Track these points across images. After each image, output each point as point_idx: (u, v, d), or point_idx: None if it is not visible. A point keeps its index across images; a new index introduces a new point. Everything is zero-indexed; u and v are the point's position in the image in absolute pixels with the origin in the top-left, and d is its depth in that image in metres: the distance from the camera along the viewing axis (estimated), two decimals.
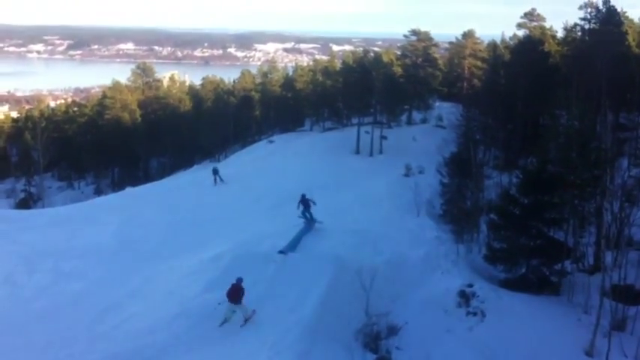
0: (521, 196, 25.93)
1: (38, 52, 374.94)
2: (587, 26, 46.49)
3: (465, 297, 22.83)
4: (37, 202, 60.88)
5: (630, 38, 45.55)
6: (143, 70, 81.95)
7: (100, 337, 19.01)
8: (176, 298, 21.74)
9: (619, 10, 44.71)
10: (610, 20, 42.58)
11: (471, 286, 23.42)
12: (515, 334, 20.41)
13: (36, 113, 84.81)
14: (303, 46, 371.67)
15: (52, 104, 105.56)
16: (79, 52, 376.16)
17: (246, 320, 20.00)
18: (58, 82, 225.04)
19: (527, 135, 40.81)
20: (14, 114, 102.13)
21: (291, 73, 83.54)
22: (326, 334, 19.17)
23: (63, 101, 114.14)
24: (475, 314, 21.94)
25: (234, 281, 20.21)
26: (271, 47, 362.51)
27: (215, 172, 45.30)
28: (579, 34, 48.61)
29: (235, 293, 19.82)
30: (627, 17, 50.54)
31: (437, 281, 24.62)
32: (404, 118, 65.82)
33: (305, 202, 30.35)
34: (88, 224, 33.43)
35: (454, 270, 25.59)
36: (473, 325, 21.43)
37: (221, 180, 44.47)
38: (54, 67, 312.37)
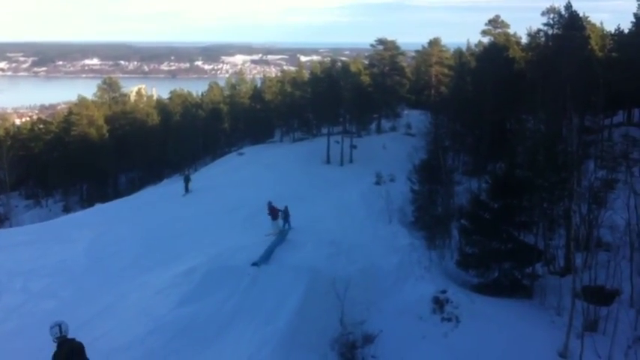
0: (491, 200, 26.24)
1: (2, 69, 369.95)
2: (550, 32, 47.33)
3: (439, 303, 22.93)
4: (4, 222, 59.83)
5: (593, 42, 46.49)
6: (109, 85, 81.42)
7: None
8: (150, 314, 21.47)
9: (581, 15, 45.58)
10: (573, 25, 43.34)
11: (444, 292, 23.53)
12: (490, 337, 20.55)
13: (1, 132, 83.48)
14: (270, 57, 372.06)
15: (18, 122, 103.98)
16: (43, 68, 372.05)
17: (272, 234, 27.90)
18: (22, 99, 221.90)
19: (495, 140, 41.28)
20: None
21: (259, 85, 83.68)
22: (302, 344, 19.10)
23: (28, 119, 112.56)
24: (450, 320, 22.04)
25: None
26: (239, 59, 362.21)
27: (186, 179, 45.12)
28: (543, 39, 49.43)
29: (273, 212, 29.34)
30: (589, 22, 51.71)
31: (411, 288, 24.69)
32: (373, 126, 66.28)
33: (284, 213, 31.81)
34: (58, 242, 32.93)
35: (427, 276, 25.68)
36: (447, 330, 21.52)
37: (186, 190, 44.24)
38: (18, 84, 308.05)
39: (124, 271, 27.87)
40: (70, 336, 11.52)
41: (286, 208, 32.01)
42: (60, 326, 11.34)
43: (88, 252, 31.18)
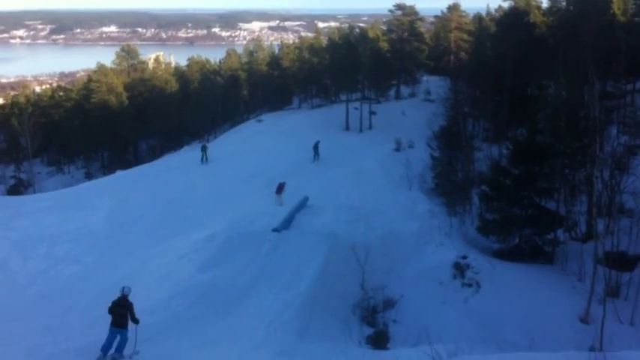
0: (512, 167, 26.13)
1: (21, 37, 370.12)
2: None
3: (459, 269, 23.00)
4: (27, 188, 60.60)
5: (615, 7, 45.50)
6: (127, 53, 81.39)
7: (98, 319, 18.90)
8: (172, 279, 21.71)
9: None
10: None
11: (465, 257, 23.58)
12: (510, 303, 20.62)
13: (22, 99, 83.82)
14: (288, 23, 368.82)
15: (38, 90, 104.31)
16: (61, 36, 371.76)
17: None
18: (42, 67, 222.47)
19: (516, 106, 40.87)
20: None
21: (277, 52, 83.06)
22: (323, 309, 19.29)
23: (48, 86, 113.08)
24: (470, 285, 22.13)
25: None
26: (256, 26, 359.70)
27: (204, 149, 45.21)
28: (564, 4, 48.63)
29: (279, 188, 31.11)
30: None
31: (431, 254, 24.78)
32: (392, 93, 65.75)
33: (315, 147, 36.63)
34: (80, 209, 33.28)
35: (448, 242, 25.75)
36: (468, 296, 21.63)
37: (206, 159, 44.33)
38: (37, 52, 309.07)
39: (145, 236, 28.19)
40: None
41: (317, 143, 36.29)
42: (123, 289, 16.11)
43: (110, 218, 31.54)
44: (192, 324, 18.41)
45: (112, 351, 15.45)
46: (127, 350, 15.67)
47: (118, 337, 15.51)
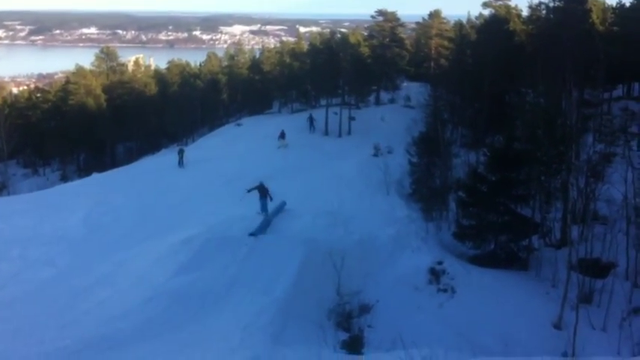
0: (489, 173, 26.32)
1: None
2: (551, 4, 46.80)
3: (435, 274, 23.16)
4: (1, 190, 59.81)
5: (594, 16, 46.08)
6: (107, 55, 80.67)
7: (71, 323, 18.81)
8: (147, 283, 21.57)
9: None
10: None
11: (440, 263, 23.75)
12: (485, 309, 20.76)
13: None
14: (269, 28, 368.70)
15: (15, 91, 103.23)
16: (41, 37, 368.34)
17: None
18: (20, 68, 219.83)
19: (494, 113, 41.12)
20: None
21: (258, 56, 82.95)
22: (299, 314, 19.24)
23: (26, 87, 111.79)
24: (445, 291, 22.29)
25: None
26: (237, 30, 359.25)
27: (181, 152, 45.02)
28: (544, 12, 48.96)
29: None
30: None
31: (407, 259, 24.89)
32: (372, 98, 65.88)
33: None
34: (55, 211, 32.91)
35: (424, 248, 25.88)
36: (443, 301, 21.76)
37: (181, 163, 44.11)
38: (16, 53, 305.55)
39: (121, 239, 27.90)
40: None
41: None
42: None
43: (86, 221, 31.19)
44: (166, 328, 18.27)
45: None
46: None
47: None
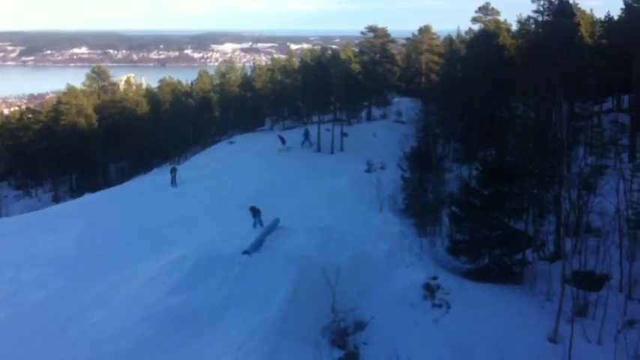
0: (481, 187, 26.31)
1: None
2: (540, 18, 47.16)
3: (429, 289, 23.07)
4: None
5: (583, 29, 46.47)
6: (98, 74, 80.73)
7: (64, 345, 18.69)
8: (140, 304, 21.48)
9: (571, 1, 45.55)
10: (562, 12, 43.24)
11: (435, 278, 23.67)
12: (480, 323, 20.68)
13: None
14: (260, 45, 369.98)
15: (6, 112, 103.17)
16: (32, 57, 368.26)
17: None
18: (11, 88, 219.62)
19: (485, 127, 41.34)
20: None
21: (249, 73, 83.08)
22: (293, 332, 19.16)
23: (17, 108, 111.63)
24: (440, 306, 22.19)
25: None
26: (228, 47, 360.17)
27: (173, 171, 44.94)
28: (533, 26, 49.32)
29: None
30: (579, 9, 51.58)
31: (401, 275, 24.82)
32: (363, 114, 66.02)
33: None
34: (48, 232, 32.79)
35: (418, 263, 25.83)
36: (438, 316, 21.66)
37: (173, 182, 44.02)
38: (6, 73, 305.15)
39: (114, 260, 27.81)
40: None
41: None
42: None
43: (78, 242, 31.07)
44: (160, 349, 18.19)
45: None
46: None
47: None
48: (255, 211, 30.91)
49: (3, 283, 25.42)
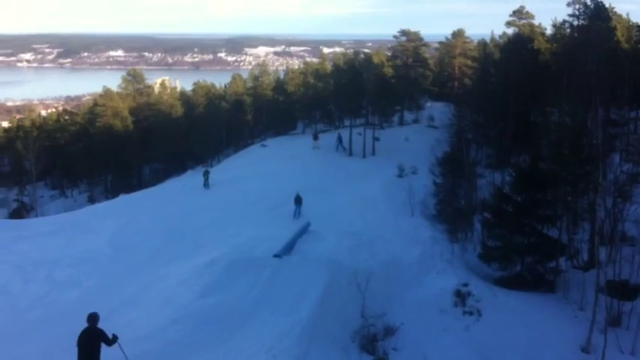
0: (514, 194, 26.08)
1: (28, 60, 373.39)
2: (575, 23, 46.79)
3: (460, 296, 22.92)
4: (29, 212, 60.66)
5: (619, 34, 45.87)
6: (133, 77, 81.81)
7: None
8: (172, 305, 21.67)
9: (607, 5, 45.01)
10: (598, 16, 42.83)
11: (466, 285, 23.51)
12: (512, 332, 20.49)
13: (27, 122, 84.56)
14: (293, 49, 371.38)
15: (44, 113, 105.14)
16: (68, 60, 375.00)
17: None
18: (48, 90, 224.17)
19: (519, 133, 40.94)
20: (5, 124, 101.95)
21: (282, 77, 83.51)
22: (323, 336, 19.16)
23: (54, 110, 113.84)
24: (471, 313, 22.03)
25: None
26: (262, 51, 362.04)
27: (206, 174, 45.38)
28: (568, 30, 48.89)
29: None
30: (615, 13, 50.97)
31: (432, 281, 24.70)
32: (396, 118, 65.90)
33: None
34: (82, 232, 33.31)
35: (449, 269, 25.67)
36: (469, 324, 21.51)
37: (206, 184, 44.43)
38: (44, 75, 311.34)
39: (147, 261, 28.14)
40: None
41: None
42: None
43: (112, 242, 31.49)
44: (191, 350, 18.30)
45: None
46: None
47: None
48: (298, 200, 33.81)
49: (38, 282, 25.77)
